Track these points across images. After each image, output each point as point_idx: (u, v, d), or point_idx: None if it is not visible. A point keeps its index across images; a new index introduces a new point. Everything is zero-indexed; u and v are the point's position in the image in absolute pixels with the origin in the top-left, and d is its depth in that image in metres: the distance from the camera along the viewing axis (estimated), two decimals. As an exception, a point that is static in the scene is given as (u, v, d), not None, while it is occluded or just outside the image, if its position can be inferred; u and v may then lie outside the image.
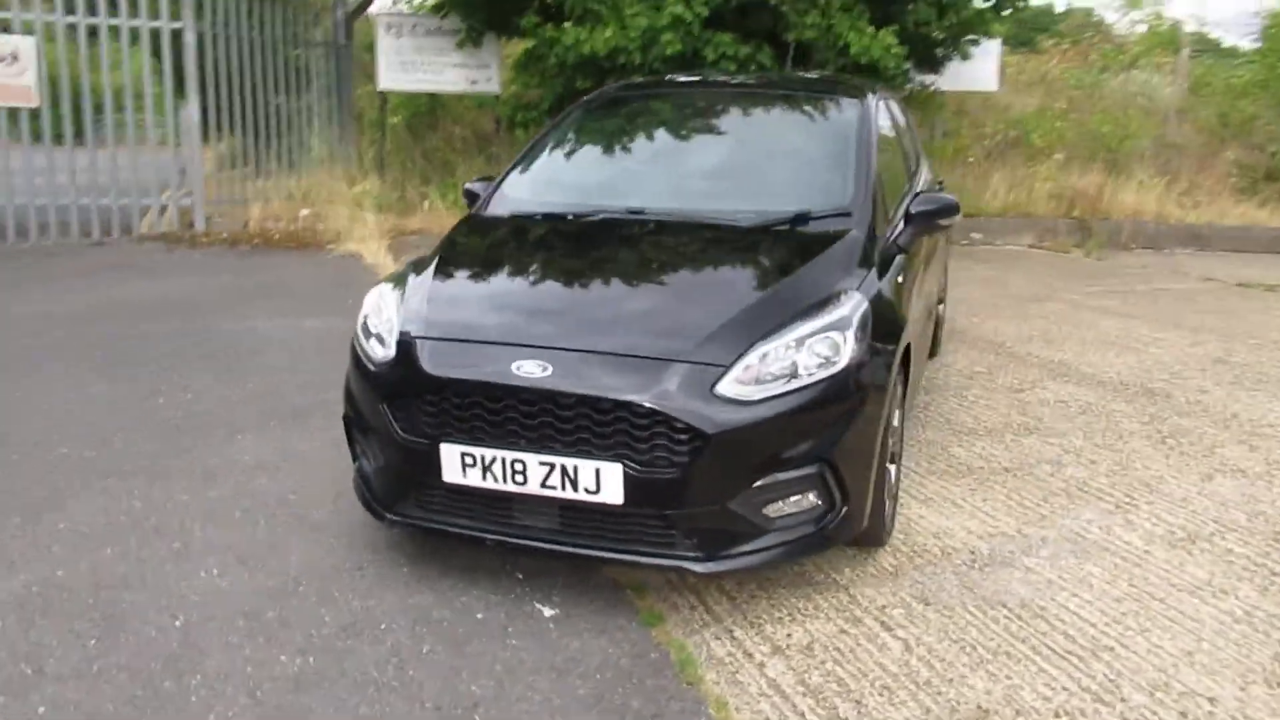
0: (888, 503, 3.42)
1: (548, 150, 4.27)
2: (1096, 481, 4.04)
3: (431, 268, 3.46)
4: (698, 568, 2.88)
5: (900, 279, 3.59)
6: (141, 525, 3.56)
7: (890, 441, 3.44)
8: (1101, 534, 3.55)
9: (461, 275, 3.42)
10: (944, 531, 3.57)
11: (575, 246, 3.56)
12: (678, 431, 2.79)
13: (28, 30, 9.46)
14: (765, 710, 2.56)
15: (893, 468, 3.57)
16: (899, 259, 3.73)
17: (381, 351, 3.17)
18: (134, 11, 9.79)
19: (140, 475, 4.00)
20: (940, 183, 5.53)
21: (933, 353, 5.74)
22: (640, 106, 4.48)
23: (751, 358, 2.89)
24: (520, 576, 3.23)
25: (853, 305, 3.09)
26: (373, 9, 12.03)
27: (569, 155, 4.25)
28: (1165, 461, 4.26)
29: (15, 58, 9.41)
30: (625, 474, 2.80)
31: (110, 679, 2.65)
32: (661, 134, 4.28)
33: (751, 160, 4.05)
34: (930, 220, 3.82)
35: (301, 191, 10.84)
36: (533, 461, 2.87)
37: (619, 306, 3.13)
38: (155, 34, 10.06)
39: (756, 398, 2.83)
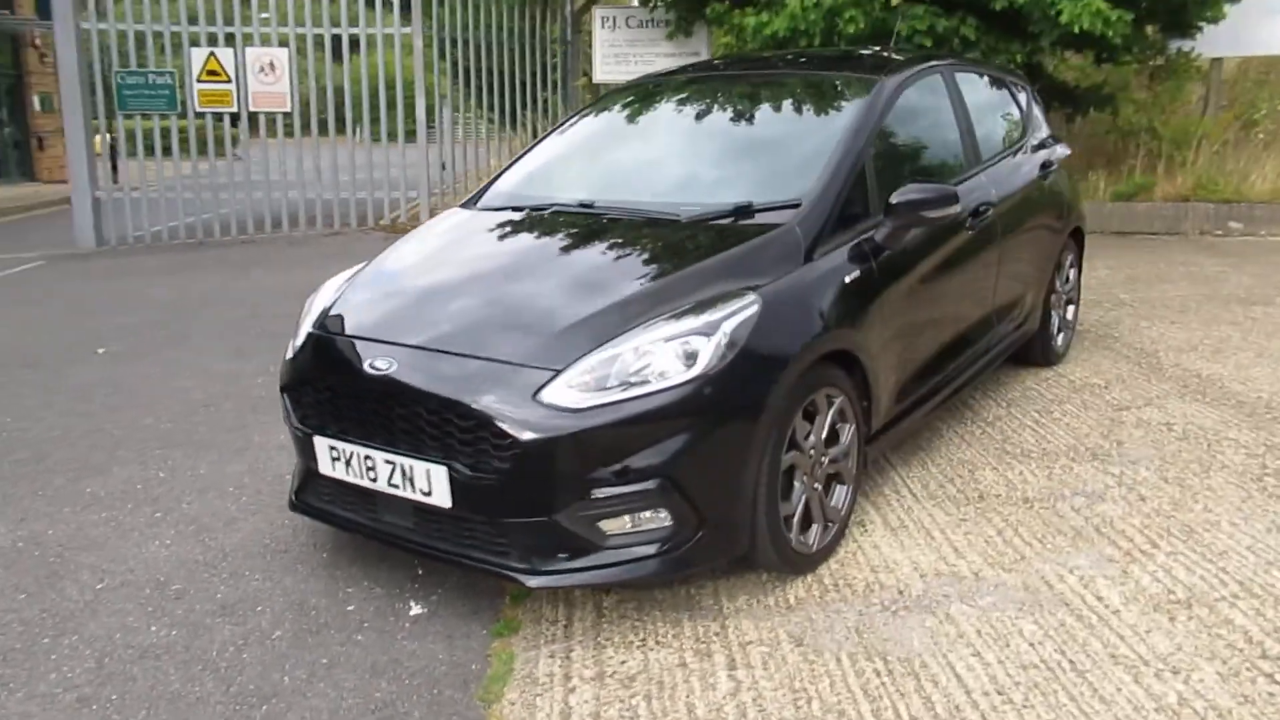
0: (816, 528, 3.11)
1: (551, 143, 4.21)
2: (1127, 522, 3.40)
3: (368, 263, 3.55)
4: (530, 581, 2.76)
5: (851, 278, 3.20)
6: (148, 494, 3.94)
7: (823, 462, 3.11)
8: (1075, 585, 3.00)
9: (384, 270, 3.48)
10: (888, 565, 3.16)
11: (496, 242, 3.49)
12: (497, 437, 2.68)
13: (282, 42, 10.65)
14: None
15: (841, 489, 3.24)
16: (881, 257, 3.35)
17: (296, 342, 3.30)
18: (371, 21, 10.74)
19: (187, 448, 4.42)
20: (1047, 166, 4.83)
21: (1048, 360, 5.08)
22: (649, 99, 4.28)
23: (593, 360, 2.71)
24: (420, 572, 3.24)
25: (732, 309, 2.82)
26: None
27: (564, 149, 4.16)
28: (1237, 505, 3.50)
29: (272, 67, 10.63)
30: (451, 477, 2.74)
31: (5, 631, 2.97)
32: (651, 126, 4.09)
33: (728, 150, 3.77)
34: (913, 212, 3.37)
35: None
36: (380, 459, 2.87)
37: (491, 306, 3.04)
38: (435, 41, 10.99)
39: (587, 404, 2.66)
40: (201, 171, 11.03)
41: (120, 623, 2.99)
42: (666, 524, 2.73)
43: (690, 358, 2.71)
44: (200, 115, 10.60)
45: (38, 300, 8.06)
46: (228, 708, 2.58)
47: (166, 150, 10.51)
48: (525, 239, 3.49)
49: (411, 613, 3.02)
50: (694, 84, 4.26)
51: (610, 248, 3.25)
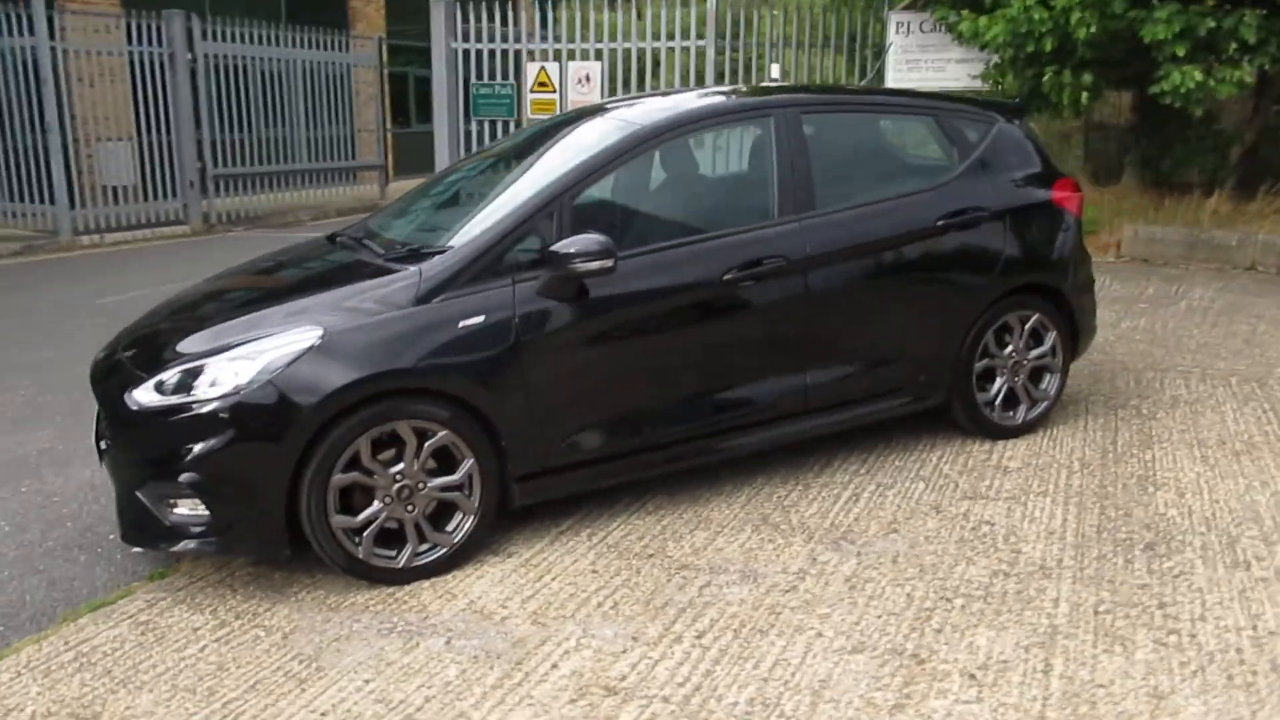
0: (409, 548, 3.45)
1: (427, 182, 4.77)
2: (727, 609, 3.21)
3: None
4: (129, 542, 3.49)
5: (471, 323, 3.42)
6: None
7: (420, 488, 3.43)
8: (549, 650, 3.01)
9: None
10: (458, 593, 3.39)
11: (261, 263, 4.21)
12: (107, 423, 3.48)
13: (598, 57, 11.85)
14: (32, 651, 3.15)
15: (460, 517, 3.52)
16: (536, 304, 3.52)
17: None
18: (670, 36, 11.52)
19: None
20: (958, 214, 4.23)
21: (987, 432, 4.53)
22: (518, 139, 4.60)
23: (176, 369, 3.35)
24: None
25: (281, 340, 3.29)
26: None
27: (429, 185, 4.66)
28: (865, 620, 3.10)
29: (588, 79, 11.89)
30: (99, 448, 3.58)
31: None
32: (493, 165, 4.47)
33: (497, 193, 3.99)
34: (562, 263, 3.46)
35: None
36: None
37: (180, 320, 3.78)
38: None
39: (148, 404, 3.33)
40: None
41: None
42: (206, 514, 3.31)
43: (228, 378, 3.26)
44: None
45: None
46: (-46, 582, 3.67)
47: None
48: (274, 261, 4.19)
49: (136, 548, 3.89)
50: (563, 124, 4.42)
51: (299, 272, 3.87)
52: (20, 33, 11.62)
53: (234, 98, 13.81)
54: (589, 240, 3.48)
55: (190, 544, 3.36)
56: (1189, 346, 6.07)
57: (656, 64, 11.68)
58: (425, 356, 3.39)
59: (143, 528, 3.44)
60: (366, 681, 2.90)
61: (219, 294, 3.98)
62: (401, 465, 3.40)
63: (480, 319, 3.46)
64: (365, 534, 3.39)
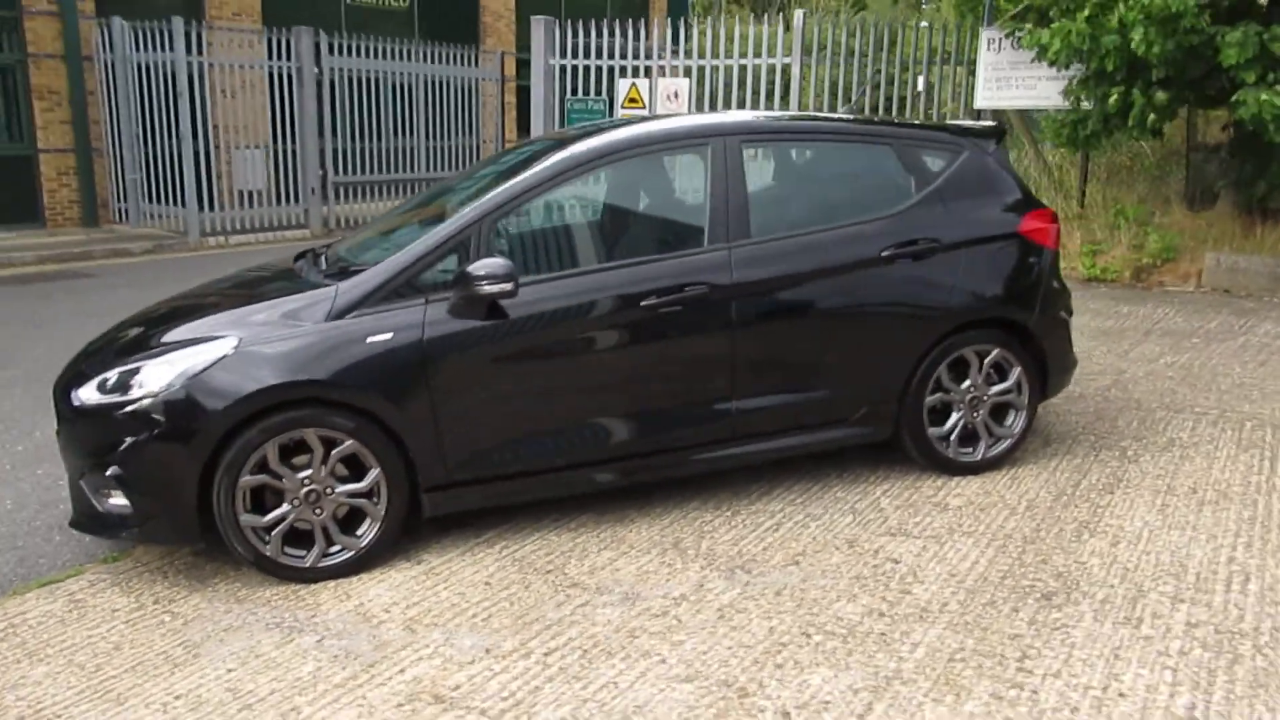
0: (317, 549, 3.65)
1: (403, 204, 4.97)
2: (593, 628, 3.27)
3: None
4: (72, 525, 3.82)
5: (379, 339, 3.60)
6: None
7: (328, 493, 3.63)
8: (409, 655, 3.15)
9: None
10: (353, 595, 3.56)
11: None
12: (61, 417, 3.83)
13: (686, 74, 11.95)
14: (-13, 620, 3.54)
15: (368, 523, 3.70)
16: (446, 323, 3.67)
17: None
18: (759, 53, 11.51)
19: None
20: (907, 245, 4.14)
21: (941, 466, 4.41)
22: (500, 157, 4.76)
23: (118, 369, 3.66)
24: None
25: (197, 349, 3.56)
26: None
27: (405, 205, 4.88)
28: (707, 644, 3.10)
29: (676, 95, 12.00)
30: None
31: (-31, 482, 4.87)
32: (476, 179, 4.60)
33: (451, 211, 4.12)
34: (467, 285, 3.60)
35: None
36: None
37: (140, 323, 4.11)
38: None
39: (85, 402, 3.65)
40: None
41: (6, 494, 4.72)
42: (127, 506, 3.60)
43: (158, 380, 3.54)
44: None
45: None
46: (-55, 553, 4.11)
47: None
48: (244, 277, 4.47)
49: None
50: (536, 149, 4.48)
51: (255, 285, 4.14)
52: (163, 48, 12.63)
53: (358, 109, 14.57)
54: (495, 264, 3.61)
55: (122, 532, 3.67)
56: (1221, 386, 5.69)
57: (797, 79, 11.72)
58: (331, 369, 3.58)
59: (87, 515, 3.76)
60: (229, 671, 3.11)
61: (181, 303, 4.29)
62: (310, 471, 3.61)
63: (388, 335, 3.63)
64: (274, 533, 3.61)
